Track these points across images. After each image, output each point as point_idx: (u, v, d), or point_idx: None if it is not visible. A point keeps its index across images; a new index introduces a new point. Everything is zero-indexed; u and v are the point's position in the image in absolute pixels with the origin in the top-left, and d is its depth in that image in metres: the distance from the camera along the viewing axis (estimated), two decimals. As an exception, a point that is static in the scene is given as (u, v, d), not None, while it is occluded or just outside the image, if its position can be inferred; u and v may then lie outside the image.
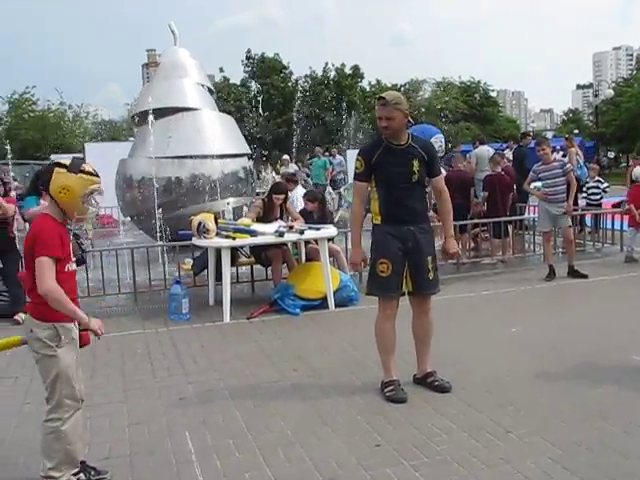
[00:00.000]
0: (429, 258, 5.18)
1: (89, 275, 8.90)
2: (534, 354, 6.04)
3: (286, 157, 23.43)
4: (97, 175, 3.80)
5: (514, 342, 6.50)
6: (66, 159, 3.80)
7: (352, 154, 19.00)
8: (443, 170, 7.98)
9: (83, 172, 3.71)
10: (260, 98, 53.03)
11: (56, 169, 3.70)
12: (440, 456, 3.99)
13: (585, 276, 9.54)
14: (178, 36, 14.16)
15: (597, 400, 4.87)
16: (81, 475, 3.80)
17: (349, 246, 9.60)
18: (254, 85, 54.51)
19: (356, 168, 5.25)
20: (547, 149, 9.87)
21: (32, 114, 48.55)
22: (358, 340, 6.47)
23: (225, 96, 46.02)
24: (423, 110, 51.74)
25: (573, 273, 9.64)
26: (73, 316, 3.67)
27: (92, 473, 3.88)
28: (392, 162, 5.10)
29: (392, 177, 5.10)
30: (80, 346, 3.89)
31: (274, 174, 22.85)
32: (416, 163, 5.10)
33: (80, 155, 21.86)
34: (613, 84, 61.68)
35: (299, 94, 48.03)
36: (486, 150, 14.46)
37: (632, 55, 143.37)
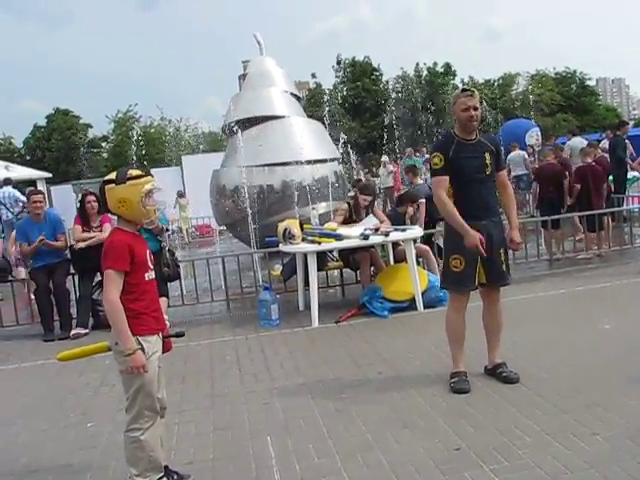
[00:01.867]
0: (501, 250, 5.29)
1: (184, 283, 9.13)
2: (626, 352, 5.74)
3: (385, 158, 23.04)
4: (147, 174, 3.83)
5: (606, 339, 6.22)
6: (113, 174, 3.80)
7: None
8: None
9: (131, 178, 3.72)
10: (352, 102, 53.03)
11: (106, 187, 3.73)
12: (522, 460, 3.85)
13: None
14: (264, 46, 14.37)
15: None
16: (164, 479, 3.87)
17: (441, 244, 9.54)
18: (345, 90, 54.65)
19: (435, 164, 5.25)
20: None
21: (135, 131, 50.40)
22: (445, 341, 6.33)
23: (318, 102, 46.32)
24: (518, 104, 50.56)
25: None
26: (118, 338, 3.64)
27: (175, 477, 3.95)
28: (467, 156, 5.16)
29: (467, 171, 5.14)
30: (163, 352, 3.94)
31: (370, 176, 22.63)
32: (488, 156, 5.19)
33: (177, 168, 22.54)
34: None
35: (391, 95, 47.83)
36: (579, 142, 13.98)
37: None
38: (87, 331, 8.30)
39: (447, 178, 5.18)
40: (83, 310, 8.49)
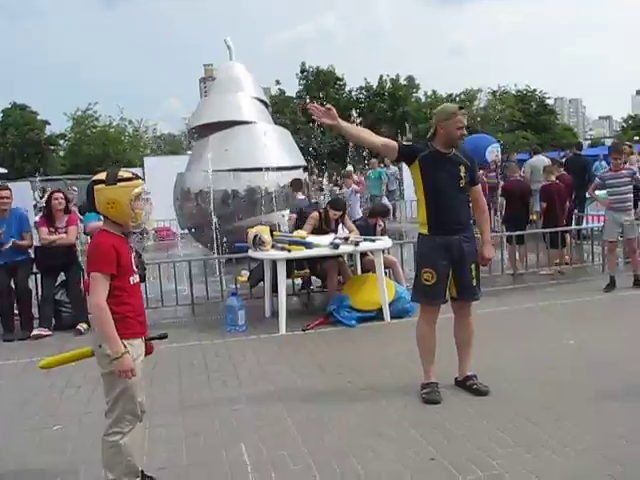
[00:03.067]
0: (472, 266, 5.34)
1: (147, 287, 9.04)
2: (591, 367, 5.89)
3: (350, 168, 22.97)
4: (137, 178, 3.78)
5: (571, 354, 6.36)
6: (103, 174, 3.74)
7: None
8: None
9: (121, 180, 3.68)
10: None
11: (95, 187, 3.68)
12: (496, 471, 3.91)
13: None
14: (234, 51, 14.33)
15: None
16: None
17: (405, 257, 9.65)
18: (309, 98, 54.76)
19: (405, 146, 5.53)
20: (620, 159, 9.61)
21: (94, 130, 49.80)
22: (413, 352, 6.40)
23: (280, 109, 46.37)
24: (479, 119, 51.27)
25: (639, 283, 9.35)
26: (107, 342, 3.57)
27: (150, 482, 3.92)
28: (440, 167, 5.22)
29: (441, 183, 5.19)
30: (145, 355, 3.90)
31: (332, 186, 22.62)
32: (463, 169, 5.25)
33: (139, 169, 22.30)
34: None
35: (353, 106, 48.11)
36: (541, 160, 14.20)
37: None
38: (50, 332, 8.17)
39: (395, 144, 5.33)
40: (46, 311, 8.36)
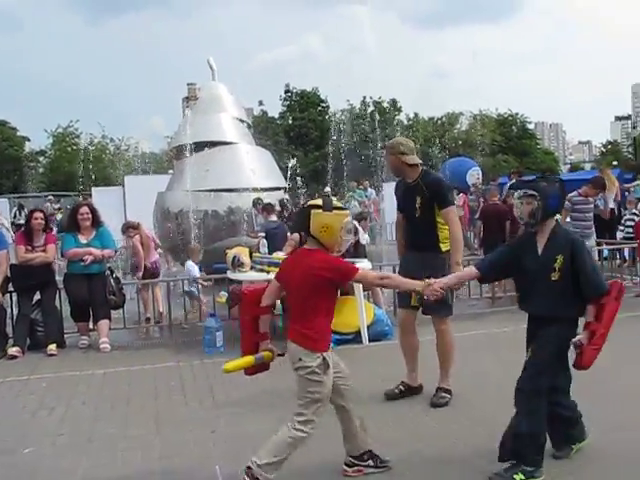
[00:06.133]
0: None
1: (125, 307, 9.03)
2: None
3: (328, 190, 23.21)
4: (346, 209, 4.27)
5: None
6: (319, 201, 4.19)
7: (387, 187, 19.06)
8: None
9: (336, 208, 4.11)
10: (298, 132, 53.29)
11: (313, 211, 4.09)
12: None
13: None
14: (216, 71, 14.43)
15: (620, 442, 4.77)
16: None
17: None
18: (291, 119, 54.97)
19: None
20: (598, 193, 9.92)
21: (75, 147, 49.59)
22: (390, 374, 6.45)
23: (263, 129, 46.45)
24: (460, 143, 51.68)
25: None
26: (409, 287, 4.54)
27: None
28: (403, 197, 5.97)
29: (404, 208, 6.00)
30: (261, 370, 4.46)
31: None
32: (419, 200, 5.75)
33: (119, 188, 22.21)
34: (653, 116, 61.13)
35: (336, 128, 48.27)
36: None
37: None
38: (21, 353, 8.03)
39: (400, 215, 6.14)
40: (20, 330, 8.24)
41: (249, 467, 3.97)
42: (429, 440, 4.96)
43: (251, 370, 4.50)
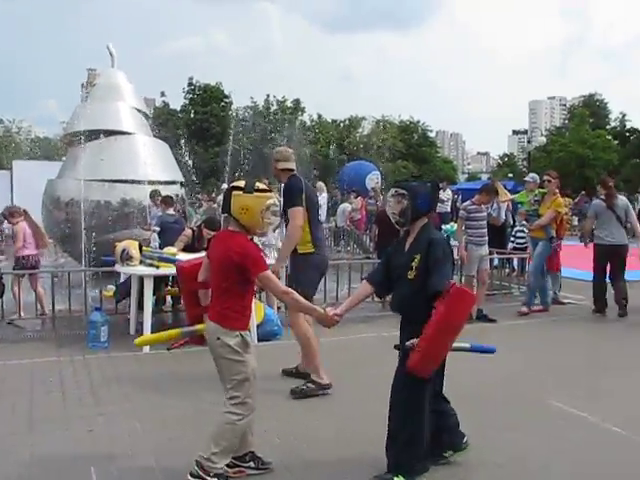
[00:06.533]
0: None
1: (4, 297, 8.68)
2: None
3: (224, 187, 23.11)
4: (270, 191, 4.27)
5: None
6: (242, 182, 4.21)
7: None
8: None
9: (258, 190, 4.13)
10: (199, 126, 52.60)
11: (234, 192, 4.14)
12: None
13: (494, 321, 9.59)
14: (116, 58, 14.04)
15: (507, 444, 4.93)
16: None
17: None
18: (193, 113, 54.23)
19: None
20: (491, 199, 10.17)
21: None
22: (274, 374, 6.49)
23: (164, 121, 45.66)
24: (362, 147, 52.30)
25: (481, 317, 9.68)
26: (311, 312, 4.53)
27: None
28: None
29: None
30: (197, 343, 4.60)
31: (212, 203, 22.60)
32: (283, 202, 6.34)
33: (7, 172, 21.40)
34: (546, 132, 63.58)
35: (238, 124, 47.92)
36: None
37: (565, 105, 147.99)
38: None
39: None
40: None
41: (197, 461, 4.04)
42: (312, 441, 4.98)
43: (182, 342, 4.76)
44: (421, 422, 4.21)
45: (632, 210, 10.76)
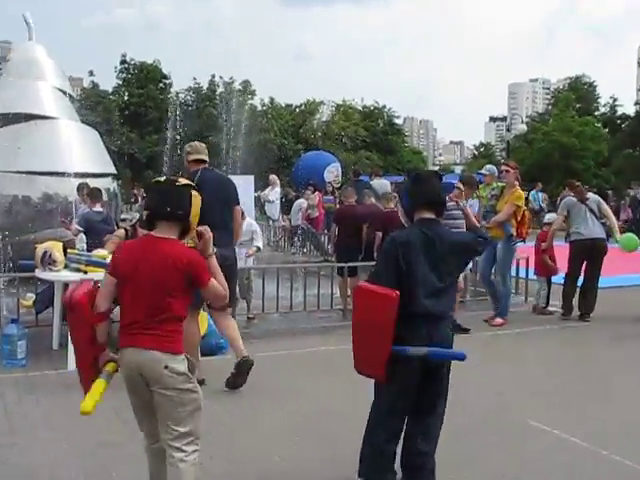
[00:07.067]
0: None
1: None
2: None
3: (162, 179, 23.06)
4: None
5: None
6: (185, 179, 4.12)
7: (236, 179, 18.92)
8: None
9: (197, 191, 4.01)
10: (134, 111, 52.17)
11: (194, 193, 3.96)
12: None
13: (466, 330, 9.64)
14: (34, 29, 13.84)
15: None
16: None
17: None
18: (127, 95, 53.76)
19: None
20: (472, 192, 10.30)
21: None
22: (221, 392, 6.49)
23: (93, 105, 45.19)
24: (319, 135, 52.43)
25: (454, 327, 9.73)
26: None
27: None
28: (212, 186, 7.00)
29: None
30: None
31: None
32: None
33: None
34: (527, 118, 64.21)
35: (178, 109, 47.69)
36: (383, 184, 14.69)
37: (549, 89, 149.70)
38: None
39: None
40: None
41: None
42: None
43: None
44: (373, 430, 4.57)
45: (604, 203, 11.25)
